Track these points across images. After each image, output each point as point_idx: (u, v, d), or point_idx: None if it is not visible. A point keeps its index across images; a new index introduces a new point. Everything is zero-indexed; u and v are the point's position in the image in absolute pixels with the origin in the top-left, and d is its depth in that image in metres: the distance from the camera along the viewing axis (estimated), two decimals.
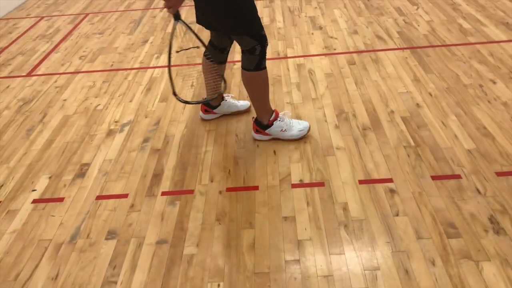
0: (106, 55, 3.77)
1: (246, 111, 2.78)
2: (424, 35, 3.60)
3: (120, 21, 4.51)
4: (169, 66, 2.28)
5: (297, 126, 2.49)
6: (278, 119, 2.46)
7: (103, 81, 3.35)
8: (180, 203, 2.14)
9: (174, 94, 2.27)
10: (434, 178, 2.16)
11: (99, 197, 2.23)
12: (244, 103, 2.80)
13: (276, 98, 2.91)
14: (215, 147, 2.52)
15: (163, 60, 3.59)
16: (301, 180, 2.22)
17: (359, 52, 3.43)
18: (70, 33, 4.32)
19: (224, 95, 2.74)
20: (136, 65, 3.55)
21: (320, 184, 2.18)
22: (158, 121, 2.80)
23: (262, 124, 2.47)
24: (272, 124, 2.45)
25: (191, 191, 2.21)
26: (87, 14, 4.79)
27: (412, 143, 2.40)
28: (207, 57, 2.51)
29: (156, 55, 3.68)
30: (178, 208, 2.12)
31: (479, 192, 2.06)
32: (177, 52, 2.43)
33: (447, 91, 2.83)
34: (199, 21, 2.39)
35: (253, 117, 2.53)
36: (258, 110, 2.43)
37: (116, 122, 2.83)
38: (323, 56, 3.42)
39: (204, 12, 2.27)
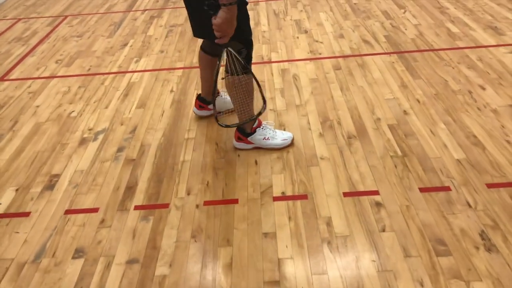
0: (83, 59, 3.63)
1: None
2: (412, 39, 3.51)
3: (100, 24, 4.36)
4: (214, 93, 2.11)
5: (280, 136, 2.38)
6: (261, 127, 2.35)
7: (79, 86, 3.21)
8: (154, 218, 2.01)
9: (216, 120, 2.14)
10: (422, 190, 2.05)
11: (68, 211, 2.09)
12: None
13: (259, 104, 2.79)
14: (194, 157, 2.39)
15: (143, 64, 3.45)
16: (283, 193, 2.10)
17: (345, 56, 3.33)
18: (47, 36, 4.17)
19: (220, 90, 2.69)
20: (114, 69, 3.41)
21: (303, 197, 2.07)
22: (134, 129, 2.66)
23: (245, 132, 2.35)
24: (255, 131, 2.34)
25: (166, 205, 2.08)
26: (66, 16, 4.64)
27: (399, 153, 2.29)
28: (204, 50, 2.44)
29: (135, 59, 3.54)
30: (152, 223, 1.99)
31: (469, 205, 1.95)
32: (223, 79, 2.26)
33: (436, 98, 2.73)
34: (196, 34, 2.29)
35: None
36: (242, 117, 2.31)
37: (90, 130, 2.69)
38: (308, 61, 3.31)
39: (196, 18, 2.17)
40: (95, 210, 2.09)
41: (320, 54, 3.40)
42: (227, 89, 2.23)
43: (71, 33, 4.19)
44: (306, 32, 3.80)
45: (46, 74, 3.43)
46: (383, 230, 1.86)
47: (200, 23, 2.18)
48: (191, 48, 3.66)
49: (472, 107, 2.61)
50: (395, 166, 2.21)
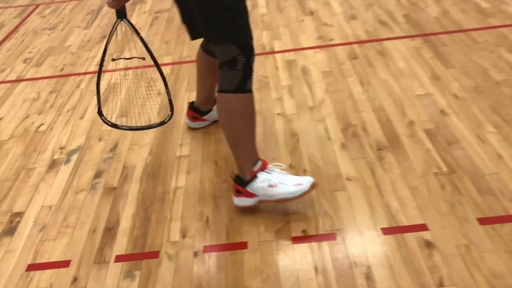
0: (56, 56, 3.13)
1: None
2: (436, 18, 3.02)
3: (76, 12, 3.84)
4: (98, 77, 1.85)
5: (293, 181, 1.67)
6: (267, 169, 1.69)
7: (50, 91, 2.72)
8: (141, 274, 1.56)
9: (100, 113, 1.86)
10: (482, 221, 1.61)
11: (31, 267, 1.64)
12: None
13: (263, 108, 2.32)
14: (189, 182, 1.93)
15: (124, 60, 2.96)
16: (304, 231, 1.65)
17: (360, 42, 2.84)
18: (15, 29, 3.65)
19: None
20: (92, 68, 2.92)
21: (331, 236, 1.62)
22: (115, 146, 2.20)
23: (243, 180, 1.70)
24: (255, 176, 1.67)
25: (155, 254, 1.63)
26: (37, 6, 4.10)
27: (445, 168, 1.84)
28: (204, 49, 2.02)
29: (115, 55, 3.05)
30: (138, 282, 1.54)
31: None
32: (114, 60, 1.86)
33: (477, 92, 2.27)
34: (193, 34, 1.81)
35: (232, 174, 1.77)
36: (239, 159, 1.71)
37: (61, 149, 2.22)
38: (318, 49, 2.82)
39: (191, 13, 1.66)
40: (65, 263, 1.64)
41: (331, 40, 2.91)
42: (220, 117, 1.70)
43: (42, 25, 3.67)
44: (311, 13, 3.29)
45: (12, 77, 2.94)
46: (441, 285, 1.42)
47: (203, 18, 1.64)
48: (180, 38, 3.16)
49: None
50: (442, 188, 1.76)
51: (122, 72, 2.78)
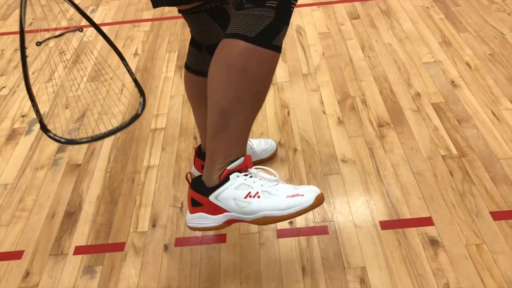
0: None
1: (271, 157, 1.65)
2: None
3: None
4: (26, 77, 1.25)
5: (286, 191, 1.06)
6: (246, 173, 1.09)
7: (15, 48, 2.44)
8: (102, 271, 1.36)
9: (45, 129, 1.28)
10: (496, 216, 1.40)
11: None
12: (267, 144, 1.63)
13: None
14: (163, 160, 1.70)
15: (100, 14, 2.67)
16: (291, 222, 1.44)
17: None
18: None
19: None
20: (63, 24, 2.62)
21: (322, 229, 1.41)
22: (83, 115, 1.95)
23: (205, 186, 1.12)
24: (226, 179, 1.08)
25: (120, 246, 1.42)
26: None
27: (454, 151, 1.61)
28: (190, 69, 1.34)
29: (91, 8, 2.75)
30: (99, 280, 1.34)
31: None
32: (39, 44, 1.27)
33: (492, 60, 2.01)
34: None
35: (188, 173, 1.23)
36: (217, 146, 1.07)
37: (23, 117, 1.97)
38: (315, 7, 2.53)
39: None
40: (17, 255, 1.43)
41: None
42: (216, 71, 1.03)
43: None
44: None
45: None
46: None
47: None
48: None
49: None
50: (451, 174, 1.54)
51: (56, 56, 2.37)
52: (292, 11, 1.01)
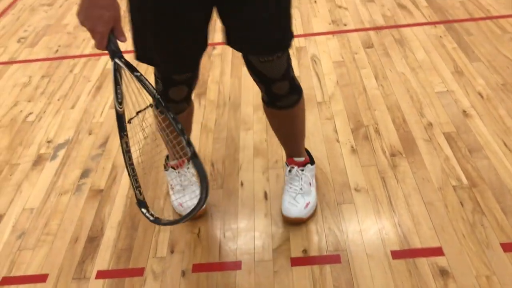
0: (51, 36, 2.94)
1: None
2: (461, 2, 2.77)
3: None
4: (127, 159, 1.21)
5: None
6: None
7: (42, 75, 2.55)
8: None
9: (141, 205, 1.18)
10: (506, 248, 1.42)
11: (5, 281, 1.50)
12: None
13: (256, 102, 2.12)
14: None
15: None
16: (305, 251, 1.48)
17: (377, 28, 2.61)
18: (12, 4, 3.46)
19: None
20: (87, 51, 2.74)
21: (334, 258, 1.45)
22: (106, 140, 2.03)
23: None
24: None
25: (140, 271, 1.48)
26: None
27: (465, 181, 1.65)
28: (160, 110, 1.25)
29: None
30: None
31: None
32: (130, 122, 1.22)
33: (504, 90, 2.05)
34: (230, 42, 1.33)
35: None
36: (300, 146, 1.64)
37: (49, 142, 2.06)
38: (330, 36, 2.60)
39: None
40: (42, 278, 1.50)
41: (345, 25, 2.68)
42: (288, 122, 1.54)
43: (40, 0, 3.47)
44: None
45: (5, 58, 2.77)
46: None
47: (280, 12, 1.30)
48: None
49: None
50: (461, 204, 1.57)
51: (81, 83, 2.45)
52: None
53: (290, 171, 1.60)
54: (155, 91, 1.11)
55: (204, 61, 2.49)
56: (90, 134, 2.08)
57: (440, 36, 2.47)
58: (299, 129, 1.57)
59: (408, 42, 2.46)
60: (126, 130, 1.17)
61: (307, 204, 1.55)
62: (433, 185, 1.65)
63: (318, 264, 1.43)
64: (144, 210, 1.17)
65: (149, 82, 1.13)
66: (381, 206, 1.60)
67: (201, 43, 1.32)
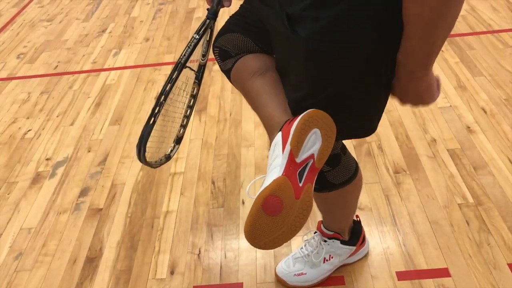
0: (51, 52, 2.93)
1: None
2: (462, 16, 2.76)
3: (76, 3, 3.63)
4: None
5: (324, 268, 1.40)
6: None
7: (42, 91, 2.53)
8: None
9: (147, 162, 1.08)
10: None
11: None
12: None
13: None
14: (182, 205, 1.74)
15: (123, 57, 2.76)
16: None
17: None
18: (12, 20, 3.46)
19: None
20: (87, 67, 2.72)
21: (338, 280, 1.42)
22: (105, 158, 2.01)
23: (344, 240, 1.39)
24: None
25: None
26: None
27: (470, 199, 1.62)
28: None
29: (114, 51, 2.85)
30: None
31: None
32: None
33: (507, 105, 2.03)
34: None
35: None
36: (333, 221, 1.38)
37: (47, 160, 2.04)
38: None
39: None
40: None
41: None
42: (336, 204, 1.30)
43: (40, 16, 3.47)
44: None
45: (4, 74, 2.76)
46: None
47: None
48: (183, 34, 2.94)
49: None
50: (467, 223, 1.54)
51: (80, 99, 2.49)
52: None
53: (315, 232, 1.42)
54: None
55: (205, 76, 2.48)
56: (89, 151, 2.06)
57: (442, 51, 2.46)
58: (336, 207, 1.31)
59: None
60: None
61: (301, 275, 1.38)
62: (438, 203, 1.62)
63: (322, 286, 1.40)
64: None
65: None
66: (385, 225, 1.56)
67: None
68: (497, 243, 1.46)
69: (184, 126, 1.21)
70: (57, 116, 2.31)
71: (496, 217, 1.54)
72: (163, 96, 1.01)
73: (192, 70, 1.14)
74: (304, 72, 0.95)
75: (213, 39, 1.16)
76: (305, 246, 1.42)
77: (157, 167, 1.14)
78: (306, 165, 0.95)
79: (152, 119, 1.00)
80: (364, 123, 1.03)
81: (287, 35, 0.91)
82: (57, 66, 2.77)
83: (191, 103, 1.21)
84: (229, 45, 1.14)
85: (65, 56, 2.87)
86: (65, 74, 2.68)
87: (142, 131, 1.00)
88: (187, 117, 1.21)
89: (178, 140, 1.22)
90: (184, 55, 1.04)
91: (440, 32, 0.81)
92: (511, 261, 1.40)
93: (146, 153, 1.03)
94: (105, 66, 2.69)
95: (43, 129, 2.23)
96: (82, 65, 2.75)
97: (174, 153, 1.21)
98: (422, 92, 0.94)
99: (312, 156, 0.95)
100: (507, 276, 1.37)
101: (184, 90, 1.17)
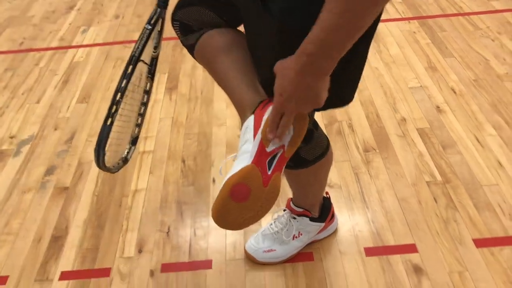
0: (15, 28, 2.83)
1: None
2: None
3: None
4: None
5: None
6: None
7: (6, 68, 2.44)
8: None
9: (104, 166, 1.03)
10: (478, 243, 1.42)
11: None
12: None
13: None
14: (151, 184, 1.71)
15: (91, 35, 2.68)
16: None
17: None
18: None
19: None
20: (54, 44, 2.64)
21: (307, 256, 1.42)
22: (72, 136, 1.95)
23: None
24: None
25: (106, 271, 1.42)
26: None
27: (439, 177, 1.64)
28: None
29: (82, 28, 2.76)
30: None
31: None
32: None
33: (476, 86, 2.05)
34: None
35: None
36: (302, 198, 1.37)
37: (12, 138, 1.97)
38: None
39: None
40: (2, 280, 1.42)
41: None
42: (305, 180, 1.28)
43: None
44: None
45: None
46: None
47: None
48: None
49: None
50: (435, 200, 1.56)
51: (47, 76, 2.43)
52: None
53: (284, 210, 1.41)
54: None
55: (176, 54, 2.44)
56: (56, 129, 2.00)
57: (414, 32, 2.47)
58: (308, 183, 1.30)
59: (383, 37, 2.45)
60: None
61: (270, 251, 1.39)
62: (406, 181, 1.64)
63: (291, 262, 1.40)
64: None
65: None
66: (355, 203, 1.57)
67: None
68: (463, 220, 1.49)
69: (139, 125, 1.15)
70: (22, 94, 2.23)
71: (463, 194, 1.57)
72: (119, 94, 0.96)
73: (146, 63, 1.09)
74: (275, 48, 0.90)
75: (172, 12, 1.11)
76: (274, 223, 1.41)
77: (115, 172, 1.09)
78: (276, 154, 0.94)
79: (110, 119, 0.95)
80: (338, 91, 0.99)
81: (258, 10, 0.89)
82: (22, 42, 2.67)
83: (145, 100, 1.15)
84: (191, 19, 1.09)
85: (31, 33, 2.77)
86: (31, 51, 2.59)
87: (100, 133, 0.95)
88: (141, 115, 1.15)
89: (134, 141, 1.16)
90: (138, 47, 1.00)
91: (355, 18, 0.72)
92: (476, 237, 1.43)
93: (105, 157, 0.98)
94: (73, 44, 2.61)
95: (7, 107, 2.16)
96: (49, 42, 2.66)
97: (131, 155, 1.14)
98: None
99: (282, 146, 0.94)
100: (471, 251, 1.39)
101: (138, 86, 1.12)
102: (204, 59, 1.10)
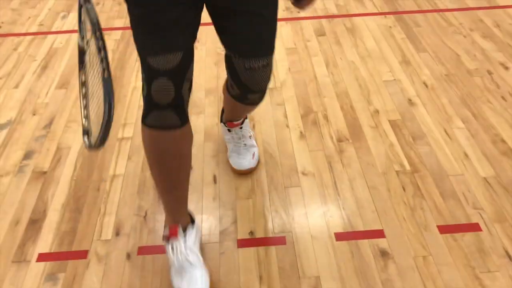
0: None
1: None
2: None
3: None
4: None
5: None
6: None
7: None
8: (65, 278, 1.39)
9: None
10: (442, 230, 1.49)
11: None
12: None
13: (220, 85, 2.11)
14: (129, 169, 1.74)
15: (71, 21, 2.68)
16: (251, 233, 1.50)
17: (330, 17, 2.64)
18: None
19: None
20: (33, 29, 2.62)
21: (280, 240, 1.47)
22: (51, 121, 1.97)
23: None
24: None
25: (83, 254, 1.45)
26: None
27: (408, 167, 1.71)
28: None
29: (62, 14, 2.75)
30: (61, 287, 1.37)
31: (509, 256, 1.41)
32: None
33: (447, 80, 2.13)
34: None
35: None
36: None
37: None
38: (283, 22, 2.61)
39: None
40: None
41: (298, 12, 2.70)
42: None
43: None
44: None
45: None
46: None
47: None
48: None
49: (495, 96, 2.03)
50: (403, 189, 1.63)
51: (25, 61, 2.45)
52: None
53: (229, 131, 1.68)
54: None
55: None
56: (34, 114, 2.01)
57: (390, 27, 2.53)
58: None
59: (359, 31, 2.51)
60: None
61: (253, 155, 1.70)
62: (377, 170, 1.70)
63: (264, 246, 1.45)
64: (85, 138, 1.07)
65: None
66: (327, 190, 1.63)
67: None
68: (429, 207, 1.56)
69: (86, 117, 1.07)
70: (0, 78, 2.23)
71: (430, 183, 1.64)
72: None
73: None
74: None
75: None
76: (236, 141, 1.69)
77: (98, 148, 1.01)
78: None
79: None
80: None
81: None
82: (0, 27, 2.66)
83: (84, 92, 1.09)
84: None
85: (10, 17, 2.75)
86: (9, 36, 2.57)
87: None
88: (86, 107, 1.08)
89: (85, 132, 1.06)
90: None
91: None
92: (440, 223, 1.50)
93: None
94: (53, 29, 2.60)
95: None
96: (28, 27, 2.65)
97: (89, 145, 1.02)
98: None
99: None
100: (435, 236, 1.46)
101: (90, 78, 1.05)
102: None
